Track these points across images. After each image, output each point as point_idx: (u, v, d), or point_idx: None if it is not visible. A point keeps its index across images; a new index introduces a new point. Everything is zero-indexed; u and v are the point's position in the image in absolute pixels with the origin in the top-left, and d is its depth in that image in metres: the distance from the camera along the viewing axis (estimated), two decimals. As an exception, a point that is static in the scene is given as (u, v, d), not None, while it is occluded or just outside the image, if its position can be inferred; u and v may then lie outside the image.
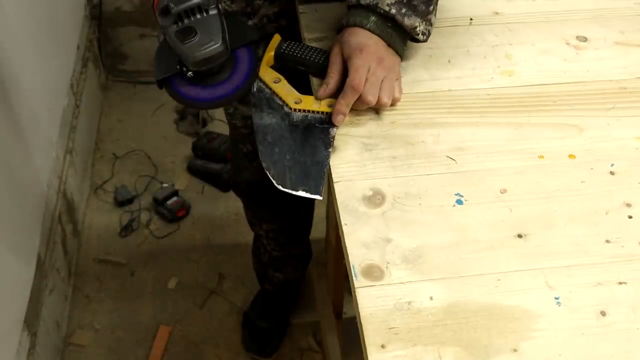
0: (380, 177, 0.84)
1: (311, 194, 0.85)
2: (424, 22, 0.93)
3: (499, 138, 0.90)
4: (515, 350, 0.70)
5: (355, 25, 0.91)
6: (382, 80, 0.90)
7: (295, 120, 0.91)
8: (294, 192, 0.85)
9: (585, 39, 1.05)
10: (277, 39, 0.98)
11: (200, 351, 1.76)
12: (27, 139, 1.63)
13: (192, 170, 2.18)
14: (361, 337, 0.71)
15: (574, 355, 0.70)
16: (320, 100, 0.91)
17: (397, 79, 0.93)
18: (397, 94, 0.91)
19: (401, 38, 0.93)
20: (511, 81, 0.98)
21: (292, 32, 1.10)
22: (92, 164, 2.20)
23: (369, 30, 0.91)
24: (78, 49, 2.14)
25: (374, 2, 0.90)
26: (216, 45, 0.85)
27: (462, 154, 0.88)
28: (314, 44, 1.00)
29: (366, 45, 0.90)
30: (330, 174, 0.85)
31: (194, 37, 0.85)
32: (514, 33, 1.05)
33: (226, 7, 1.10)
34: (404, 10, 0.90)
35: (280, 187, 0.85)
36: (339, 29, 0.95)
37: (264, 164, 0.87)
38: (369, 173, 0.85)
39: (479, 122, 0.92)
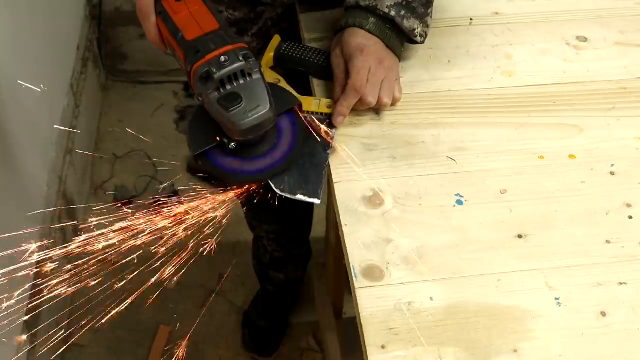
0: (380, 177, 0.84)
1: (309, 197, 0.84)
2: (422, 25, 0.93)
3: (499, 138, 0.90)
4: (515, 351, 0.70)
5: (354, 26, 0.91)
6: (382, 81, 0.90)
7: None
8: (292, 197, 0.84)
9: (585, 39, 1.05)
10: (276, 39, 0.98)
11: (200, 351, 1.76)
12: (27, 139, 1.63)
13: (192, 170, 2.18)
14: (361, 337, 0.71)
15: (574, 355, 0.69)
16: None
17: (396, 79, 0.93)
18: (397, 94, 0.91)
19: (400, 39, 0.94)
20: (511, 81, 0.97)
21: (293, 34, 1.10)
22: (92, 164, 2.20)
23: (369, 31, 0.91)
24: (78, 49, 2.14)
25: (374, 4, 0.90)
26: (265, 111, 0.78)
27: (462, 154, 0.87)
28: (314, 45, 1.00)
29: (366, 45, 0.90)
30: (330, 175, 0.85)
31: (240, 103, 0.77)
32: (514, 33, 1.05)
33: (229, 15, 1.09)
34: (403, 12, 0.90)
35: (278, 192, 0.84)
36: (337, 30, 0.94)
37: None
38: (369, 173, 0.85)
39: (479, 123, 0.92)
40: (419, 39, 0.94)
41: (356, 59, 0.89)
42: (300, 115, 0.87)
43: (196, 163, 0.84)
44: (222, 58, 0.77)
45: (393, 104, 0.91)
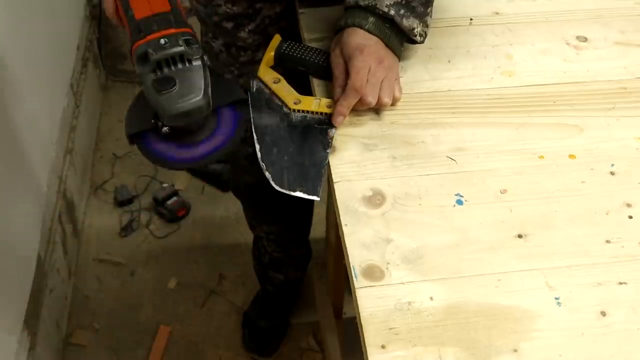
0: (380, 178, 0.84)
1: (309, 194, 0.84)
2: (421, 24, 0.93)
3: (499, 138, 0.90)
4: (515, 351, 0.70)
5: (354, 26, 0.91)
6: (382, 81, 0.90)
7: (294, 120, 0.90)
8: (291, 193, 0.84)
9: (585, 39, 1.05)
10: (277, 39, 0.98)
11: (200, 351, 1.76)
12: (27, 139, 1.63)
13: (192, 170, 2.18)
14: (361, 337, 0.71)
15: (575, 355, 0.69)
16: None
17: (396, 79, 0.93)
18: (397, 94, 0.91)
19: (399, 39, 0.94)
20: (511, 81, 0.97)
21: (292, 34, 1.10)
22: (92, 164, 2.20)
23: (368, 31, 0.91)
24: (78, 49, 2.14)
25: (373, 3, 0.90)
26: (197, 99, 0.77)
27: (462, 154, 0.87)
28: (314, 44, 1.00)
29: (366, 45, 0.90)
30: (330, 175, 0.85)
31: (172, 87, 0.76)
32: (514, 33, 1.05)
33: (227, 9, 1.09)
34: (402, 12, 0.90)
35: (277, 188, 0.84)
36: (336, 30, 0.94)
37: (262, 164, 0.87)
38: (369, 173, 0.85)
39: (479, 122, 0.92)
40: (418, 38, 0.94)
41: (356, 59, 0.89)
42: (245, 109, 0.87)
43: (131, 144, 0.82)
44: (162, 40, 0.76)
45: (393, 104, 0.91)
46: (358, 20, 0.91)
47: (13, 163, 1.51)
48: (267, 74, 0.95)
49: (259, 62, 1.10)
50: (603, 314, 0.73)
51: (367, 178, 0.84)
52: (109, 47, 2.40)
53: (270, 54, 0.97)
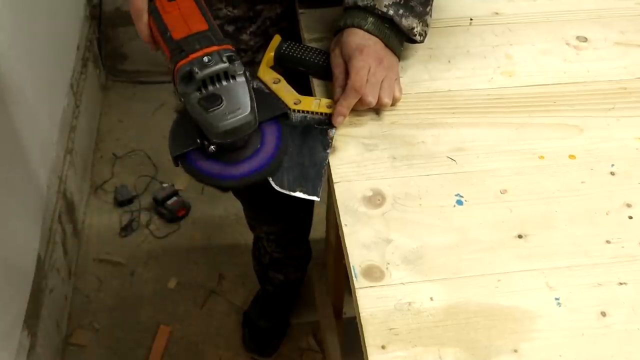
0: (380, 178, 0.84)
1: (309, 195, 0.84)
2: (420, 23, 0.93)
3: (499, 138, 0.90)
4: (515, 351, 0.70)
5: (353, 26, 0.91)
6: (382, 81, 0.90)
7: (294, 120, 0.90)
8: (291, 193, 0.84)
9: (585, 39, 1.05)
10: (277, 39, 0.98)
11: (200, 351, 1.76)
12: (27, 139, 1.63)
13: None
14: (361, 337, 0.71)
15: (575, 355, 0.69)
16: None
17: (396, 79, 0.93)
18: (397, 94, 0.92)
19: (399, 39, 0.94)
20: (511, 81, 0.97)
21: (292, 34, 1.10)
22: (92, 164, 2.20)
23: (367, 31, 0.91)
24: (78, 49, 2.14)
25: (372, 4, 0.90)
26: (244, 114, 0.77)
27: (462, 154, 0.87)
28: (314, 45, 1.00)
29: (365, 45, 0.90)
30: (330, 175, 0.85)
31: (220, 105, 0.76)
32: (514, 33, 1.05)
33: (228, 12, 1.09)
34: (401, 12, 0.90)
35: (277, 188, 0.84)
36: (336, 31, 0.94)
37: None
38: (369, 173, 0.85)
39: (479, 123, 0.92)
40: (418, 37, 0.94)
41: (355, 59, 0.89)
42: (286, 122, 0.87)
43: (176, 165, 0.83)
44: (206, 58, 0.76)
45: (393, 104, 0.91)
46: (357, 20, 0.91)
47: (13, 163, 1.51)
48: (266, 74, 0.94)
49: (259, 63, 1.09)
50: (603, 314, 0.73)
51: (367, 178, 0.84)
52: (109, 47, 2.40)
53: (270, 55, 0.97)
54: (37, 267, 1.58)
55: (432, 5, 0.94)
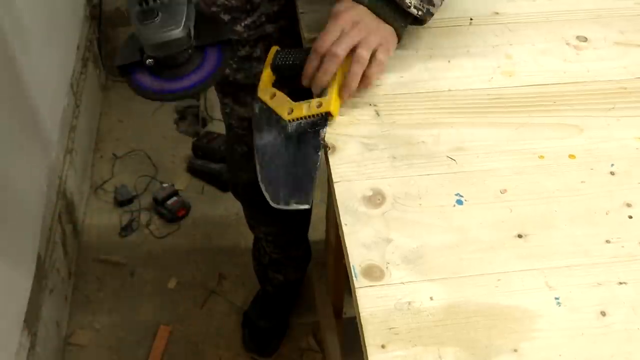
0: (380, 177, 0.84)
1: (302, 205, 0.84)
2: None
3: (499, 138, 0.90)
4: (515, 351, 0.70)
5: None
6: (360, 42, 0.87)
7: (290, 130, 0.89)
8: (287, 208, 0.84)
9: (585, 39, 1.05)
10: (272, 52, 0.97)
11: (200, 351, 1.76)
12: (27, 138, 1.63)
13: (192, 170, 2.18)
14: (361, 337, 0.71)
15: (574, 355, 0.69)
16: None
17: (380, 44, 0.89)
18: (379, 55, 0.89)
19: (391, 9, 0.90)
20: (511, 81, 0.97)
21: (292, 33, 1.10)
22: (92, 164, 2.20)
23: (358, 2, 0.89)
24: (78, 49, 2.14)
25: None
26: (176, 31, 0.81)
27: (462, 154, 0.87)
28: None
29: (344, 11, 0.88)
30: (330, 174, 0.85)
31: (154, 18, 0.81)
32: (514, 33, 1.05)
33: (225, 1, 1.09)
34: None
35: (274, 205, 0.84)
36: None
37: (261, 185, 0.86)
38: (369, 173, 0.85)
39: (479, 122, 0.92)
40: (414, 11, 0.91)
41: (328, 24, 0.87)
42: (230, 49, 0.90)
43: (121, 76, 0.87)
44: None
45: (377, 69, 0.90)
46: None
47: (13, 163, 1.51)
48: (264, 93, 0.93)
49: (256, 59, 1.09)
50: (603, 313, 0.73)
51: (367, 178, 0.84)
52: (109, 47, 2.40)
53: (267, 71, 0.95)
54: (37, 267, 1.58)
55: None
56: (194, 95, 0.86)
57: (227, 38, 0.90)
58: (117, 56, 0.88)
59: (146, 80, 0.86)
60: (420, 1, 0.91)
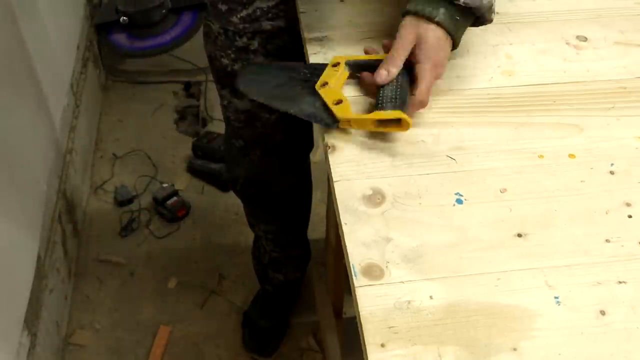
0: (380, 177, 0.84)
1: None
2: None
3: (499, 137, 0.90)
4: (515, 350, 0.70)
5: (426, 16, 0.88)
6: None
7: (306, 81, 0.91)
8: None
9: (585, 39, 1.05)
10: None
11: (200, 351, 1.76)
12: (27, 138, 1.63)
13: (192, 170, 2.19)
14: (361, 336, 0.71)
15: (574, 354, 0.69)
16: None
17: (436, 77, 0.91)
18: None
19: (467, 25, 0.91)
20: (511, 81, 0.98)
21: (292, 33, 1.10)
22: (92, 164, 2.20)
23: (439, 24, 0.87)
24: (78, 49, 2.14)
25: None
26: None
27: (462, 153, 0.88)
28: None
29: (439, 52, 0.88)
30: (330, 174, 0.85)
31: None
32: (514, 33, 1.05)
33: None
34: None
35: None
36: (404, 13, 0.91)
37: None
38: (369, 172, 0.85)
39: (479, 122, 0.92)
40: (493, 16, 0.91)
41: (426, 70, 0.88)
42: (204, 13, 0.95)
43: (97, 35, 0.93)
44: None
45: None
46: (429, 9, 0.87)
47: (13, 163, 1.51)
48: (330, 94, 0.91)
49: (253, 52, 1.10)
50: (602, 313, 0.73)
51: (367, 177, 0.84)
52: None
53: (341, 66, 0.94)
54: (37, 267, 1.58)
55: None
56: (167, 52, 0.91)
57: (202, 3, 0.93)
58: (98, 16, 0.93)
59: (121, 38, 0.90)
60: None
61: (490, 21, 0.92)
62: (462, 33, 0.92)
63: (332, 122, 0.88)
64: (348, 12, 1.07)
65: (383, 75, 0.89)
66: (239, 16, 1.11)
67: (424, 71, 0.88)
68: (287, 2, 1.09)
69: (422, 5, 0.88)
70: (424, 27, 0.88)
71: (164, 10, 0.87)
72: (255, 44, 1.14)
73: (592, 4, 1.11)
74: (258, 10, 1.11)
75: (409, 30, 0.89)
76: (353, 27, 1.04)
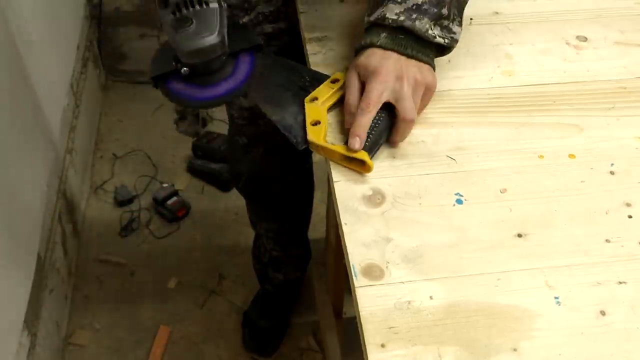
0: (380, 177, 0.84)
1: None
2: (437, 27, 0.87)
3: (499, 138, 0.90)
4: (515, 350, 0.70)
5: (368, 45, 0.87)
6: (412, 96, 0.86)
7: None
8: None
9: (585, 39, 1.05)
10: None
11: (200, 351, 1.76)
12: (27, 138, 1.63)
13: (192, 170, 2.19)
14: (361, 336, 0.71)
15: (574, 354, 0.69)
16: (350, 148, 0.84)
17: (424, 94, 0.88)
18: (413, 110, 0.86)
19: (420, 45, 0.88)
20: (511, 81, 0.98)
21: (292, 34, 1.11)
22: (92, 164, 2.20)
23: (382, 47, 0.86)
24: (78, 49, 2.14)
25: (381, 16, 0.86)
26: (211, 37, 0.82)
27: (462, 153, 0.87)
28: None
29: (383, 66, 0.85)
30: (330, 174, 0.85)
31: (189, 26, 0.82)
32: (514, 33, 1.05)
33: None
34: (414, 16, 0.86)
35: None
36: (356, 51, 0.90)
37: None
38: (369, 173, 0.85)
39: (479, 122, 0.92)
40: (440, 40, 0.88)
41: (370, 82, 0.85)
42: (260, 54, 0.91)
43: (155, 87, 0.89)
44: None
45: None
46: (370, 38, 0.87)
47: (13, 163, 1.51)
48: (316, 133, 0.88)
49: (262, 64, 1.09)
50: (602, 313, 0.73)
51: (367, 177, 0.84)
52: (109, 47, 2.40)
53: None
54: (37, 267, 1.58)
55: (454, 9, 0.89)
56: (230, 101, 0.88)
57: (258, 43, 0.90)
58: (151, 67, 0.88)
59: (181, 88, 0.87)
60: (442, 32, 0.88)
61: (449, 49, 0.91)
62: (423, 47, 0.88)
63: (302, 143, 0.86)
64: (348, 12, 1.07)
65: (356, 144, 0.84)
66: (241, 22, 1.11)
67: (394, 91, 0.85)
68: (288, 4, 1.09)
69: (367, 37, 0.88)
70: (366, 55, 0.87)
71: (223, 57, 0.85)
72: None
73: (592, 4, 1.11)
74: (260, 15, 1.11)
75: (350, 74, 0.88)
76: (353, 27, 1.04)
